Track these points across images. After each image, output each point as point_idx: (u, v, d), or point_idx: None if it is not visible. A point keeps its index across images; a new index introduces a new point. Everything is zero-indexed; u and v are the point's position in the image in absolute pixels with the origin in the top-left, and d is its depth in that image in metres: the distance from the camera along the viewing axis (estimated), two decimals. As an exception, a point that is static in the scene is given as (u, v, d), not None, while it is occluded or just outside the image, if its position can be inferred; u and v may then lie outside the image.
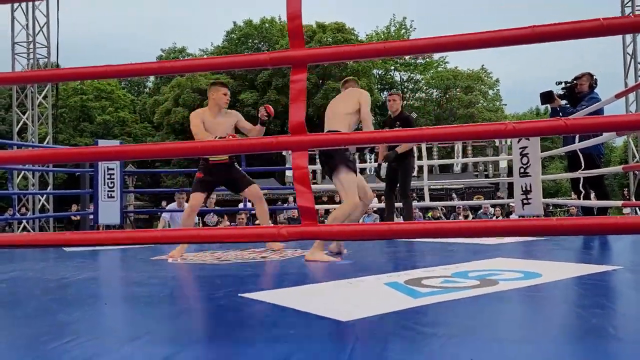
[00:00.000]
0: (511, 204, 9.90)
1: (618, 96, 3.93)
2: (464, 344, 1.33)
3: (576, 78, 4.84)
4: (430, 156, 22.32)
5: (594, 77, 4.80)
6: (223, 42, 32.24)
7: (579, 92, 4.78)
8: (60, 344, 1.39)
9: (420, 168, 7.46)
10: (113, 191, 6.48)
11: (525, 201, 5.68)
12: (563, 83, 4.91)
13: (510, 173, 6.05)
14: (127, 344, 1.43)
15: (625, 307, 1.82)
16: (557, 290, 2.06)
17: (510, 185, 5.90)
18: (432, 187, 18.63)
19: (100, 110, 31.66)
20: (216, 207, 8.31)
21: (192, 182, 4.16)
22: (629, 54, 7.53)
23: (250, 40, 31.96)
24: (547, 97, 4.79)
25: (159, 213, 8.83)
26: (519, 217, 10.97)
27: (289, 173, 18.21)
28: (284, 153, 20.67)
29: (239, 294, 2.07)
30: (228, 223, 8.87)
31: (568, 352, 1.28)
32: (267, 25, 32.00)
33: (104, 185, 6.49)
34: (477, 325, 1.53)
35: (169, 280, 2.65)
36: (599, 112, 4.38)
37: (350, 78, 3.97)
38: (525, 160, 5.66)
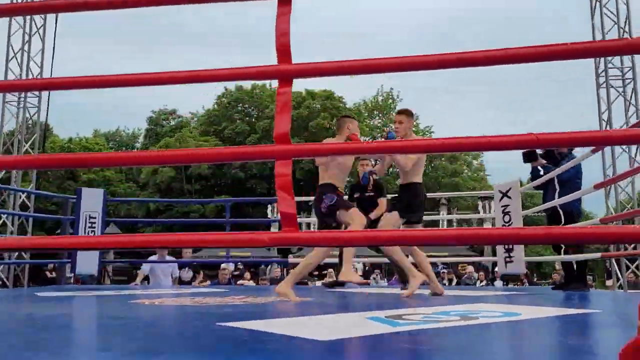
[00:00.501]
0: (496, 270, 9.99)
1: (594, 151, 4.08)
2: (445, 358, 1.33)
3: None
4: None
5: None
6: (214, 105, 32.88)
7: (559, 152, 4.92)
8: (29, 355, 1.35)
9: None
10: (94, 239, 6.37)
11: (507, 259, 5.70)
12: None
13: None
14: (98, 353, 1.40)
15: (604, 338, 1.82)
16: (537, 323, 2.06)
17: (495, 252, 5.97)
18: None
19: (86, 168, 31.60)
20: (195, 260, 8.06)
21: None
22: (604, 120, 7.86)
23: (241, 105, 32.67)
24: (529, 155, 4.91)
25: (139, 264, 8.61)
26: (502, 275, 10.95)
27: (273, 228, 18.18)
28: (268, 211, 20.73)
29: (217, 323, 2.03)
30: (202, 279, 8.65)
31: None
32: (257, 90, 32.82)
33: (84, 232, 6.39)
34: (457, 345, 1.52)
35: (144, 316, 2.59)
36: (577, 167, 4.53)
37: (407, 110, 4.07)
38: (507, 218, 5.73)
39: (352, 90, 40.56)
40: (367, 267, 14.71)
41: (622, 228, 1.13)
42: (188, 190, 28.39)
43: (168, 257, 7.36)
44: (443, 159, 32.79)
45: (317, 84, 29.62)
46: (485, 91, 51.84)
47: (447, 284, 12.45)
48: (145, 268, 7.25)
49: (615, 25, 8.89)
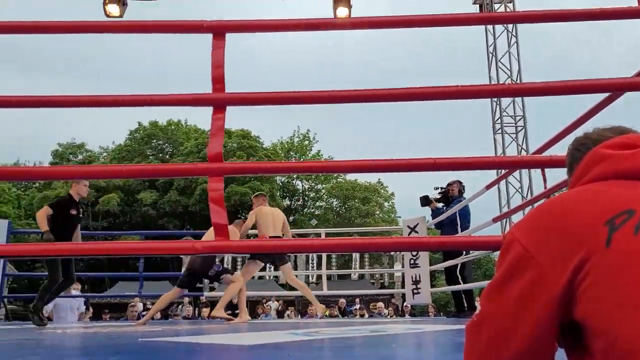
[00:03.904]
0: (405, 304, 10.52)
1: (488, 187, 4.61)
2: (351, 348, 1.51)
3: (449, 184, 5.76)
4: (329, 265, 22.95)
5: (462, 183, 5.84)
6: (126, 140, 31.84)
7: (450, 195, 5.64)
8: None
9: (319, 277, 7.87)
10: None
11: (415, 291, 6.06)
12: (440, 188, 5.81)
13: (404, 284, 6.80)
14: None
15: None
16: (436, 333, 2.32)
17: (404, 296, 6.39)
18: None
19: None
20: None
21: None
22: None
23: (155, 141, 31.92)
24: (424, 200, 5.78)
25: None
26: (411, 307, 11.53)
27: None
28: (182, 256, 20.13)
29: (139, 339, 2.09)
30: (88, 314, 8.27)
31: None
32: (172, 127, 32.33)
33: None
34: (366, 343, 1.72)
35: (70, 338, 2.56)
36: (465, 208, 5.41)
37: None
38: (415, 252, 6.12)
39: (269, 131, 40.93)
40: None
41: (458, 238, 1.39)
42: (94, 227, 26.97)
43: (74, 292, 7.03)
44: (357, 200, 33.79)
45: (233, 123, 29.64)
46: (393, 132, 54.43)
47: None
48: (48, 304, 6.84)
49: (509, 79, 10.04)
